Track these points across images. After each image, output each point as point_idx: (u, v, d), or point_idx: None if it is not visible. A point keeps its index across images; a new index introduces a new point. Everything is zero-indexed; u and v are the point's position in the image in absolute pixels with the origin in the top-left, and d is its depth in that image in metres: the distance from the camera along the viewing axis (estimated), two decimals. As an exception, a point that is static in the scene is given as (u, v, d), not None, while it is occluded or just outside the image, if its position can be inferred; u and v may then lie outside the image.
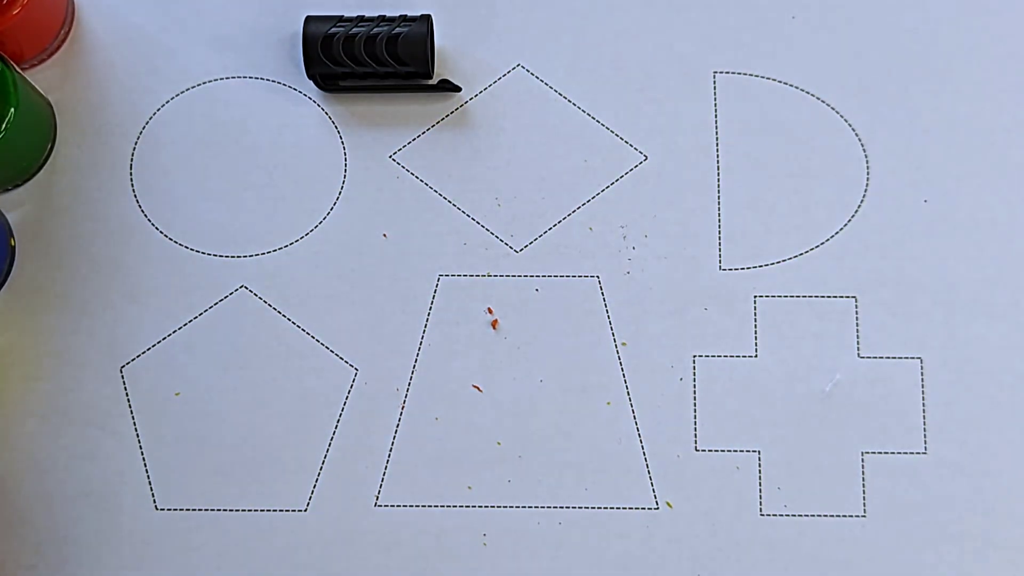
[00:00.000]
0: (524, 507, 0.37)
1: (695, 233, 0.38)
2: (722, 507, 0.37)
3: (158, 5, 0.41)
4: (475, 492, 0.37)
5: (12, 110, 0.35)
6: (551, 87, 0.40)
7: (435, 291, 0.38)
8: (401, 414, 0.37)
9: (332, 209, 0.39)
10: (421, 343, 0.38)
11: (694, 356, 0.38)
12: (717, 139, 0.39)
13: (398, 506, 0.37)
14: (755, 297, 0.38)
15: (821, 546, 0.36)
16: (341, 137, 0.39)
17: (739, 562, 0.36)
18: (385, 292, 0.38)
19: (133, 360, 0.38)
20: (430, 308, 0.38)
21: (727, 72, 0.40)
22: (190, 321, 0.38)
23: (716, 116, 0.40)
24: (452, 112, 0.39)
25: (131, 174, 0.39)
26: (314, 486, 0.37)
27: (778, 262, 0.38)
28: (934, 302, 0.38)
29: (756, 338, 0.38)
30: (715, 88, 0.40)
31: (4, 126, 0.35)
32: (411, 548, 0.36)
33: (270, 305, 0.38)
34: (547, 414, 0.37)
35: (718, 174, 0.39)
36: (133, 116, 0.40)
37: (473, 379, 0.38)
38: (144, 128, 0.39)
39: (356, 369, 0.38)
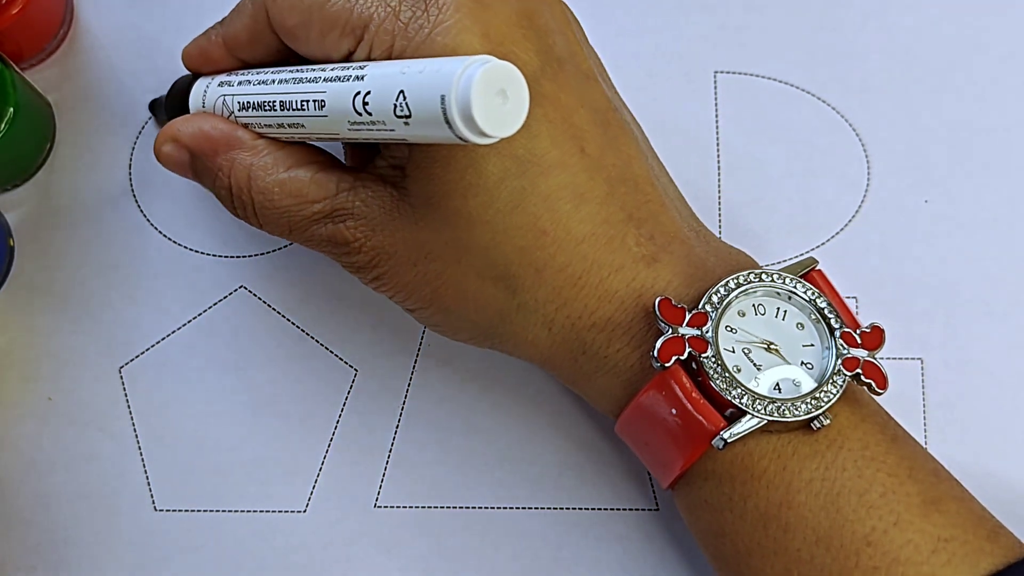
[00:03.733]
0: (524, 507, 0.37)
1: (695, 233, 0.38)
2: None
3: (157, 5, 0.41)
4: (475, 492, 0.37)
5: (11, 110, 0.35)
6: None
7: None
8: (401, 414, 0.37)
9: (332, 209, 0.39)
10: (421, 343, 0.38)
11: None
12: (717, 139, 0.39)
13: (398, 507, 0.37)
14: (755, 297, 0.38)
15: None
16: (341, 137, 0.39)
17: (740, 562, 0.36)
18: (385, 292, 0.38)
19: (133, 360, 0.38)
20: (430, 308, 0.38)
21: (727, 72, 0.40)
22: (190, 321, 0.38)
23: (716, 116, 0.40)
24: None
25: (131, 174, 0.39)
26: (313, 487, 0.37)
27: (778, 263, 0.38)
28: (934, 302, 0.38)
29: (756, 338, 0.38)
30: (715, 88, 0.40)
31: (3, 126, 0.35)
32: (411, 549, 0.36)
33: (270, 305, 0.38)
34: (548, 415, 0.37)
35: (718, 174, 0.39)
36: (133, 116, 0.39)
37: (473, 380, 0.37)
38: (144, 128, 0.39)
39: (356, 369, 0.38)
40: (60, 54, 0.40)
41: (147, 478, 0.37)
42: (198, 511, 0.37)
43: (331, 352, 0.38)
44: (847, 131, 0.39)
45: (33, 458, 0.37)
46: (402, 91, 0.25)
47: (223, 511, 0.37)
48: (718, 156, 0.39)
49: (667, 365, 0.29)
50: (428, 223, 0.29)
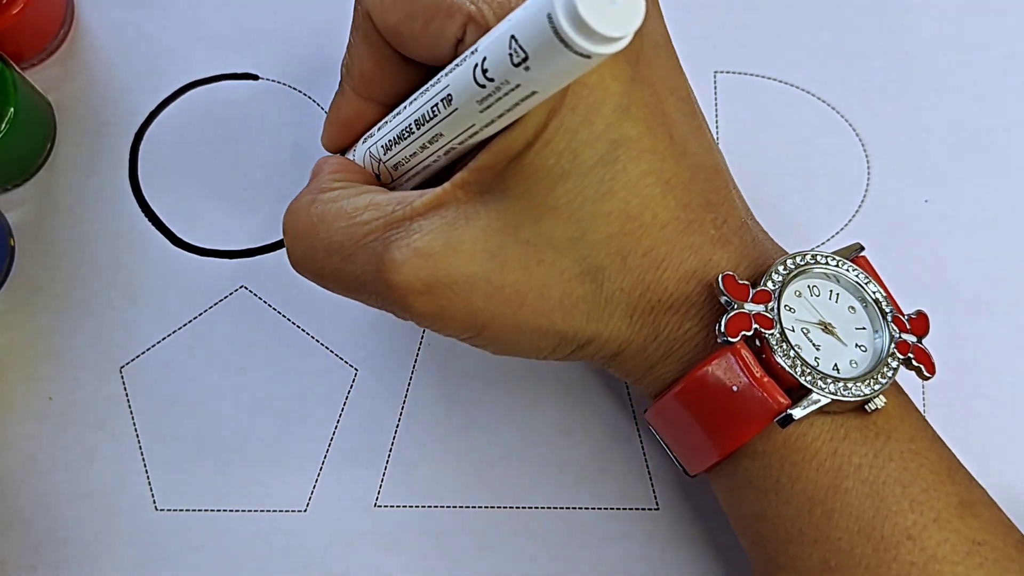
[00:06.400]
0: (524, 507, 0.37)
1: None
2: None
3: (157, 5, 0.41)
4: (475, 492, 0.37)
5: (12, 110, 0.35)
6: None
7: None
8: (401, 414, 0.37)
9: (332, 209, 0.39)
10: (421, 343, 0.38)
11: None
12: (717, 139, 0.39)
13: (398, 506, 0.37)
14: (755, 297, 0.38)
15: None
16: (341, 137, 0.39)
17: (739, 562, 0.36)
18: (385, 292, 0.38)
19: (133, 360, 0.38)
20: (430, 308, 0.38)
21: (727, 72, 0.40)
22: (190, 321, 0.38)
23: (716, 116, 0.40)
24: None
25: (131, 174, 0.39)
26: (314, 486, 0.37)
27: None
28: (934, 301, 0.38)
29: (756, 338, 0.38)
30: (715, 88, 0.40)
31: (3, 126, 0.35)
32: (411, 548, 0.36)
33: (270, 305, 0.38)
34: (548, 414, 0.37)
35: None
36: (133, 116, 0.39)
37: (473, 379, 0.38)
38: (144, 128, 0.39)
39: (356, 369, 0.38)
40: (60, 54, 0.40)
41: (148, 478, 0.37)
42: (198, 511, 0.37)
43: (331, 352, 0.38)
44: (847, 131, 0.39)
45: (33, 457, 0.37)
46: (512, 36, 0.23)
47: (223, 511, 0.37)
48: (718, 156, 0.39)
49: (733, 340, 0.28)
50: (505, 220, 0.28)
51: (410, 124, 0.29)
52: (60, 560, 0.36)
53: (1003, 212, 0.39)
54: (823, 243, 0.39)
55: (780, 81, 0.40)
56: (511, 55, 0.24)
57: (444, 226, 0.28)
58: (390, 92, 0.31)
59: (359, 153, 0.32)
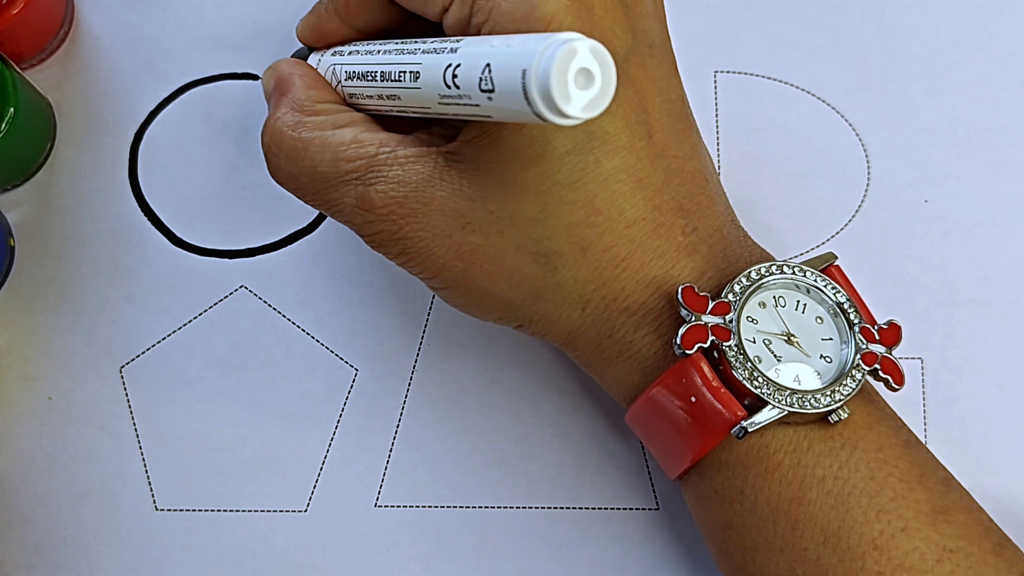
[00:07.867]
0: (524, 507, 0.37)
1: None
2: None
3: (157, 5, 0.41)
4: (475, 492, 0.37)
5: (11, 110, 0.35)
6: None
7: (435, 291, 0.38)
8: (401, 414, 0.37)
9: (332, 209, 0.39)
10: (421, 343, 0.38)
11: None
12: (717, 139, 0.39)
13: (398, 506, 0.37)
14: (755, 297, 0.38)
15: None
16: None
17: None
18: (385, 292, 0.38)
19: (133, 360, 0.38)
20: (430, 308, 0.38)
21: (727, 72, 0.40)
22: (190, 321, 0.38)
23: (716, 116, 0.40)
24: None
25: (131, 174, 0.39)
26: (314, 486, 0.37)
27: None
28: (934, 302, 0.38)
29: (756, 338, 0.38)
30: (715, 88, 0.40)
31: (3, 126, 0.35)
32: (411, 548, 0.36)
33: (270, 305, 0.38)
34: (547, 414, 0.37)
35: (718, 174, 0.39)
36: (133, 116, 0.39)
37: (473, 380, 0.38)
38: (144, 128, 0.39)
39: (356, 369, 0.38)
40: (60, 54, 0.40)
41: (148, 478, 0.37)
42: (198, 511, 0.37)
43: (331, 352, 0.38)
44: (847, 131, 0.39)
45: (33, 457, 0.37)
46: (488, 64, 0.24)
47: (223, 511, 0.37)
48: (718, 156, 0.39)
49: (689, 352, 0.29)
50: (475, 190, 0.29)
51: (377, 72, 0.30)
52: (60, 560, 0.36)
53: (1003, 212, 0.39)
54: (823, 243, 0.39)
55: (780, 81, 0.40)
56: (481, 79, 0.25)
57: (421, 181, 0.29)
58: (368, 23, 0.32)
59: (324, 64, 0.33)
